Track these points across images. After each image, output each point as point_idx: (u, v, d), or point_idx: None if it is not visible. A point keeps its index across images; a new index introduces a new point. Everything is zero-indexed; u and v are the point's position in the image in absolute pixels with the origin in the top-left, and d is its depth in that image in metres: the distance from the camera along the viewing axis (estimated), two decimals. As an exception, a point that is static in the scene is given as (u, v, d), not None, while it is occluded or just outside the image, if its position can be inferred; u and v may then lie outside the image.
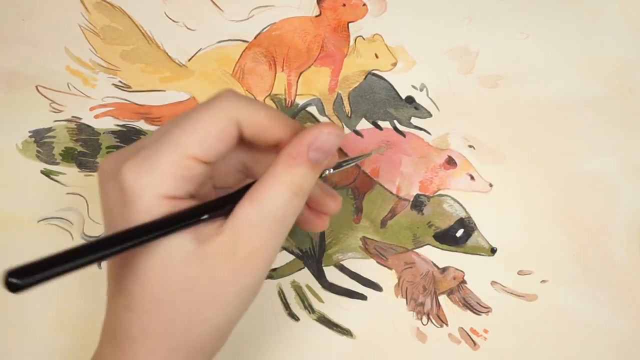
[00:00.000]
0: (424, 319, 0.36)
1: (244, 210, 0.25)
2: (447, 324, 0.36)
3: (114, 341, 0.27)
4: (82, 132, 0.38)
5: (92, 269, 0.37)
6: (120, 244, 0.23)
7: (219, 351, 0.28)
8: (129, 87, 0.38)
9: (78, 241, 0.37)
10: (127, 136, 0.38)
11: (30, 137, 0.38)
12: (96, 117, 0.38)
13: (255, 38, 0.38)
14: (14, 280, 0.18)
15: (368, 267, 0.37)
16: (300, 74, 0.38)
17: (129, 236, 0.24)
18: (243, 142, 0.27)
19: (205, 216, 0.25)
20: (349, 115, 0.38)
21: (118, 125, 0.38)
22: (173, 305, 0.25)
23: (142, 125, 0.38)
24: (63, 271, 0.21)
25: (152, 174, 0.24)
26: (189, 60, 0.38)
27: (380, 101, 0.38)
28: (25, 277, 0.19)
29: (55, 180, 0.38)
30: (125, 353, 0.26)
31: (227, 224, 0.25)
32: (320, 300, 0.37)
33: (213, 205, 0.26)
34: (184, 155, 0.25)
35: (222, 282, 0.25)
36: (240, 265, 0.25)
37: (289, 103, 0.38)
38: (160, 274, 0.25)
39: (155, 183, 0.24)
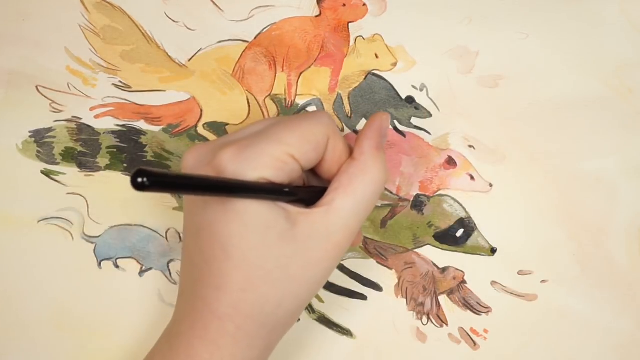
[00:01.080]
0: (424, 319, 0.37)
1: (342, 201, 0.28)
2: (447, 324, 0.36)
3: (196, 319, 0.27)
4: (82, 132, 0.38)
5: (92, 269, 0.37)
6: (230, 190, 0.25)
7: None
8: (129, 87, 0.38)
9: (78, 241, 0.37)
10: (127, 136, 0.38)
11: (30, 137, 0.38)
12: (96, 117, 0.38)
13: (255, 38, 0.38)
14: (140, 180, 0.20)
15: (368, 267, 0.37)
16: (301, 74, 0.38)
17: (236, 185, 0.25)
18: None
19: (287, 189, 0.27)
20: (349, 115, 0.38)
21: (118, 125, 0.38)
22: (268, 282, 0.27)
23: (142, 125, 0.38)
24: (178, 190, 0.23)
25: (253, 161, 0.26)
26: (189, 60, 0.38)
27: (380, 101, 0.38)
28: (151, 179, 0.21)
29: (55, 180, 0.38)
30: (210, 330, 0.27)
31: (322, 210, 0.27)
32: (320, 300, 0.37)
33: (292, 190, 0.28)
34: (285, 151, 0.26)
35: (316, 262, 0.27)
36: (333, 248, 0.28)
37: (289, 103, 0.38)
38: (257, 253, 0.26)
39: (256, 167, 0.26)
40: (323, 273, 0.28)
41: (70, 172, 0.38)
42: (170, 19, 0.38)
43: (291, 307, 0.28)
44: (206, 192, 0.25)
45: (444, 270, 0.37)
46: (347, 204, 0.28)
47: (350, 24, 0.38)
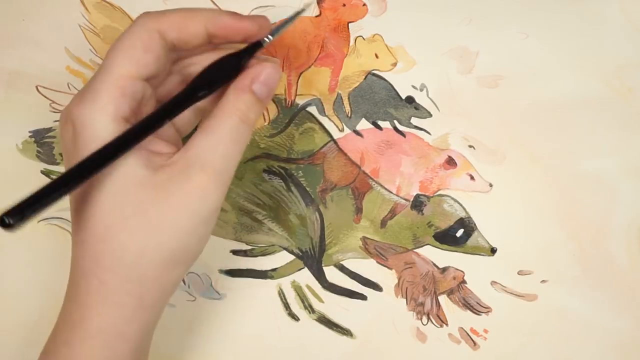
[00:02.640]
0: (424, 319, 0.37)
1: (197, 141, 0.27)
2: (447, 324, 0.36)
3: (69, 282, 0.27)
4: (82, 132, 0.38)
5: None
6: (77, 177, 0.25)
7: (177, 287, 0.28)
8: (129, 87, 0.38)
9: (78, 241, 0.37)
10: (127, 136, 0.38)
11: (30, 137, 0.38)
12: (96, 117, 0.38)
13: (255, 38, 0.38)
14: (6, 219, 0.22)
15: (368, 267, 0.37)
16: (300, 74, 0.38)
17: (83, 166, 0.25)
18: (176, 52, 0.29)
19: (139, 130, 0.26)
20: (349, 115, 0.38)
21: (118, 125, 0.38)
22: (126, 229, 0.26)
23: (142, 125, 0.38)
24: (41, 208, 0.24)
25: (93, 101, 0.26)
26: (189, 60, 0.38)
27: (380, 101, 0.38)
28: (15, 216, 0.22)
29: (55, 180, 0.38)
30: (79, 290, 0.27)
31: (181, 153, 0.27)
32: (320, 300, 0.37)
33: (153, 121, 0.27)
34: (117, 76, 0.26)
35: (176, 207, 0.26)
36: (194, 190, 0.26)
37: (289, 103, 0.38)
38: (113, 200, 0.26)
39: (98, 108, 0.26)
40: (188, 218, 0.26)
41: (70, 172, 0.38)
42: (170, 19, 0.38)
43: (156, 257, 0.26)
44: (73, 186, 0.25)
45: (444, 270, 0.37)
46: (202, 143, 0.27)
47: (350, 24, 0.38)
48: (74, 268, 0.27)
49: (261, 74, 0.28)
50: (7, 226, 0.21)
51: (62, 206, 0.37)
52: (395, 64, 0.38)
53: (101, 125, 0.26)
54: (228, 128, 0.27)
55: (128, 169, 0.26)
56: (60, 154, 0.38)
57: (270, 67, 0.29)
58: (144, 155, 0.26)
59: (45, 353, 0.28)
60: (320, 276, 0.37)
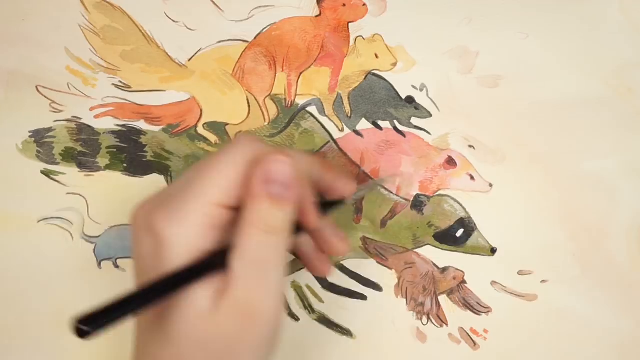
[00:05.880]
0: (424, 319, 0.37)
1: (233, 262, 0.25)
2: (447, 324, 0.36)
3: None
4: (82, 132, 0.38)
5: (92, 269, 0.37)
6: (158, 293, 0.24)
7: None
8: (129, 87, 0.38)
9: (78, 241, 0.37)
10: (127, 136, 0.38)
11: (30, 137, 0.38)
12: (96, 117, 0.38)
13: (255, 38, 0.38)
14: (83, 327, 0.22)
15: (368, 267, 0.37)
16: (300, 74, 0.38)
17: (168, 283, 0.24)
18: None
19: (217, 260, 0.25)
20: (349, 115, 0.38)
21: (118, 125, 0.38)
22: None
23: (142, 125, 0.38)
24: (120, 319, 0.23)
25: (183, 225, 0.25)
26: (189, 60, 0.38)
27: (380, 101, 0.38)
28: (91, 324, 0.22)
29: (55, 180, 0.38)
30: None
31: (228, 278, 0.25)
32: (320, 300, 0.37)
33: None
34: (209, 203, 0.25)
35: (236, 340, 0.25)
36: (247, 322, 0.25)
37: (289, 103, 0.38)
38: (191, 333, 0.25)
39: (187, 234, 0.25)
40: (249, 350, 0.25)
41: (70, 172, 0.38)
42: (170, 19, 0.38)
43: None
44: (154, 302, 0.24)
45: (444, 270, 0.37)
46: (237, 266, 0.25)
47: (350, 24, 0.38)
48: None
49: (270, 173, 0.25)
50: (84, 334, 0.22)
51: (62, 206, 0.38)
52: (395, 64, 0.38)
53: (190, 248, 0.25)
54: (255, 246, 0.25)
55: (203, 301, 0.25)
56: (60, 154, 0.38)
57: (275, 162, 0.25)
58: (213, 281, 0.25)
59: None
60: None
